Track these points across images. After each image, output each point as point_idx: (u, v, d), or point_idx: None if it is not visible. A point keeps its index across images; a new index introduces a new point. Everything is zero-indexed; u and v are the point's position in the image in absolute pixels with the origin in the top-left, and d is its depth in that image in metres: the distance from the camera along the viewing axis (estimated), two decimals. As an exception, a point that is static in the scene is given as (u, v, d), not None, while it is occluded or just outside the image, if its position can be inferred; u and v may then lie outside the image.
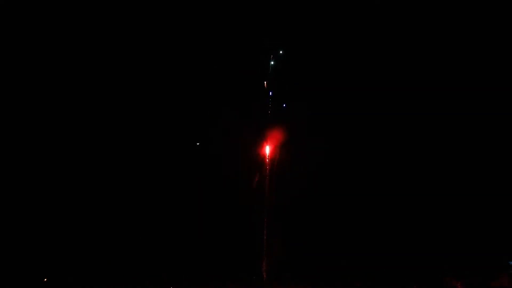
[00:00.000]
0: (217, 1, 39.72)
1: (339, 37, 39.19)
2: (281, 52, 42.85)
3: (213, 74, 39.68)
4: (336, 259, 35.12)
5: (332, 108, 38.68)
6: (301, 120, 39.20)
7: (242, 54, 40.78)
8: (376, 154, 38.01)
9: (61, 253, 33.43)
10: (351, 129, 38.97)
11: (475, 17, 36.19)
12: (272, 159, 39.87)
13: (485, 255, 31.84)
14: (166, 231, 36.79)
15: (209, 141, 39.54)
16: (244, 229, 37.71)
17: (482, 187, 34.45)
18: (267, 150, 40.20)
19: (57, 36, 37.41)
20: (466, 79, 37.36)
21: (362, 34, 39.28)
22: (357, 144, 38.40)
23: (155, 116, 38.93)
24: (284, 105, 41.23)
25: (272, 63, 42.67)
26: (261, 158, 40.66)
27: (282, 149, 39.80)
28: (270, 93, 42.23)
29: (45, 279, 30.74)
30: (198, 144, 40.53)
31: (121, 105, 38.73)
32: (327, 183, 37.10)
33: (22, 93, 36.30)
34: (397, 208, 35.56)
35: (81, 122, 38.61)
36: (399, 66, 38.30)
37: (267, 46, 42.67)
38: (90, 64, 38.87)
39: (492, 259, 31.26)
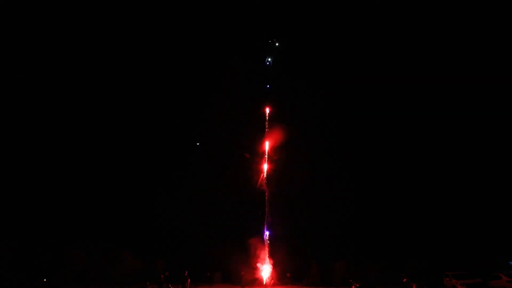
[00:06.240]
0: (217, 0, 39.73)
1: (338, 35, 39.28)
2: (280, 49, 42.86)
3: (213, 73, 39.72)
4: (336, 259, 35.21)
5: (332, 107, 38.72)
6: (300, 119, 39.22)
7: (242, 53, 40.82)
8: (375, 153, 38.09)
9: (60, 252, 33.49)
10: (351, 128, 39.01)
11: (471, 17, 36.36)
12: (272, 158, 39.85)
13: (484, 255, 32.03)
14: (165, 231, 36.83)
15: (208, 140, 39.60)
16: (244, 229, 37.74)
17: (481, 188, 34.61)
18: (267, 149, 40.18)
19: (54, 36, 37.53)
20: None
21: (362, 32, 39.37)
22: (356, 144, 38.46)
23: (155, 116, 38.97)
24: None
25: (271, 59, 42.73)
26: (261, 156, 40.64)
27: (282, 148, 39.80)
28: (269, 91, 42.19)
29: (45, 279, 30.82)
30: (198, 144, 40.58)
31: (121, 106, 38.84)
32: (326, 182, 37.16)
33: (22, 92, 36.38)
34: (397, 208, 35.64)
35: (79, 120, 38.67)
36: (399, 66, 38.41)
37: (266, 42, 42.72)
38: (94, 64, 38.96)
39: (492, 259, 31.51)
